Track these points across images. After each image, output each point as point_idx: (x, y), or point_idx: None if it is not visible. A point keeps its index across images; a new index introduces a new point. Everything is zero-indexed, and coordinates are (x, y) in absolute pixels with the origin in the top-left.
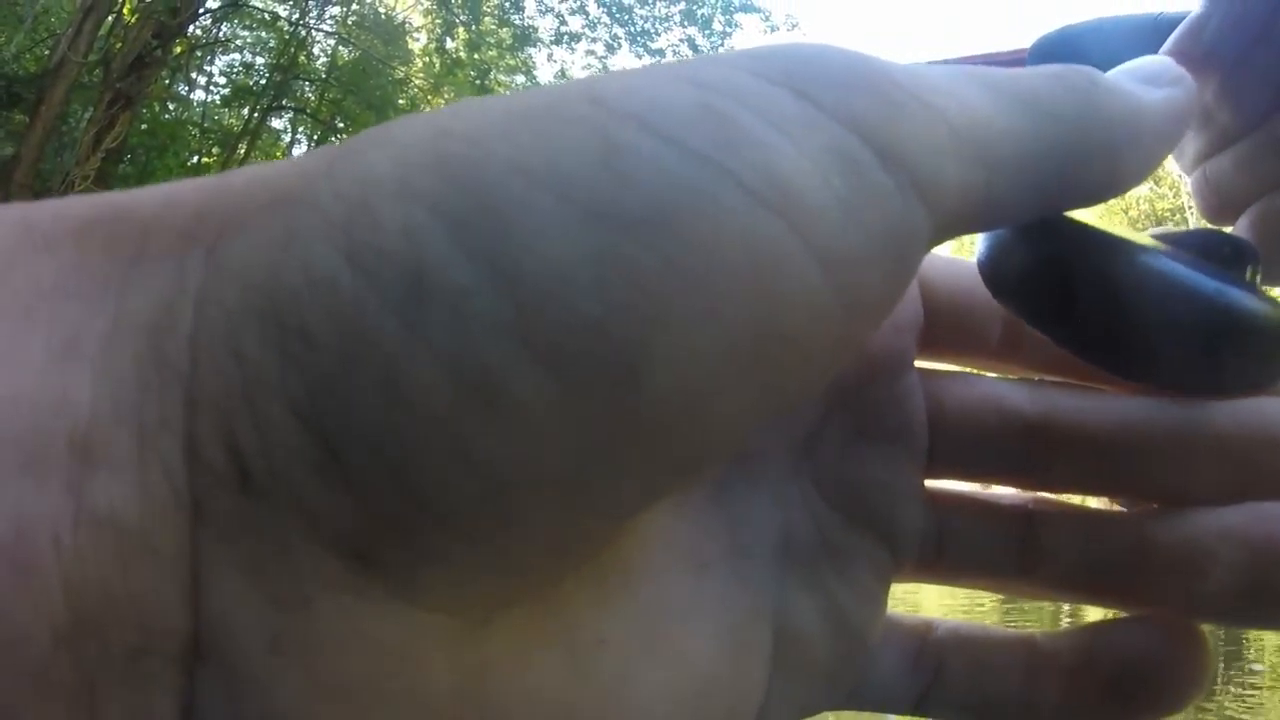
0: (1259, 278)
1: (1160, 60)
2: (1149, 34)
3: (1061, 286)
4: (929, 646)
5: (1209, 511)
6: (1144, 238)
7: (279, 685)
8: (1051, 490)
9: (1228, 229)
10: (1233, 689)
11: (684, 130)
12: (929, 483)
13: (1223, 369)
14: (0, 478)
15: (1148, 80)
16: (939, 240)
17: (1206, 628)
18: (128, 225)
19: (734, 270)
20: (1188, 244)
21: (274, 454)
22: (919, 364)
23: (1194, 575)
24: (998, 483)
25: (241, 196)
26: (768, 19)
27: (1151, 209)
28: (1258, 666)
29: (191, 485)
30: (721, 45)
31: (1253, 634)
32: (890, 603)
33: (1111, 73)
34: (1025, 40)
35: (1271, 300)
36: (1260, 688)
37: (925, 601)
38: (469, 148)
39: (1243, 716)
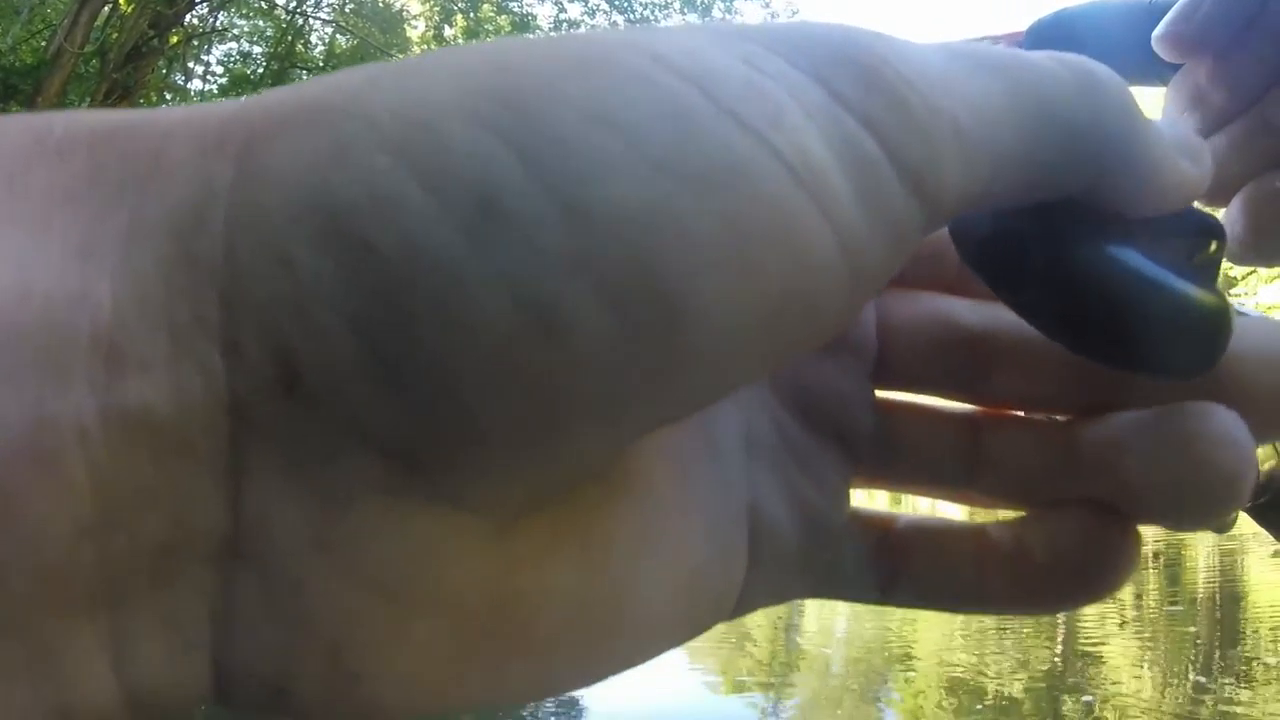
0: (1220, 253)
1: (1196, 139)
2: (1143, 17)
3: (1017, 261)
4: (891, 539)
5: (1131, 412)
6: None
7: (320, 581)
8: (992, 404)
9: (1212, 208)
10: (1229, 677)
11: (739, 104)
12: (882, 394)
13: (1161, 354)
14: (13, 372)
15: (1179, 145)
16: (933, 229)
17: (1201, 619)
18: (145, 135)
19: (772, 234)
20: (1155, 218)
21: (326, 360)
22: None
23: (1113, 470)
24: (941, 396)
25: (270, 107)
26: (767, 5)
27: None
28: (1270, 659)
29: (232, 386)
30: None
31: (1249, 626)
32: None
33: (1157, 121)
34: (1023, 22)
35: (1213, 289)
36: (1255, 669)
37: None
38: (537, 84)
39: (1240, 696)
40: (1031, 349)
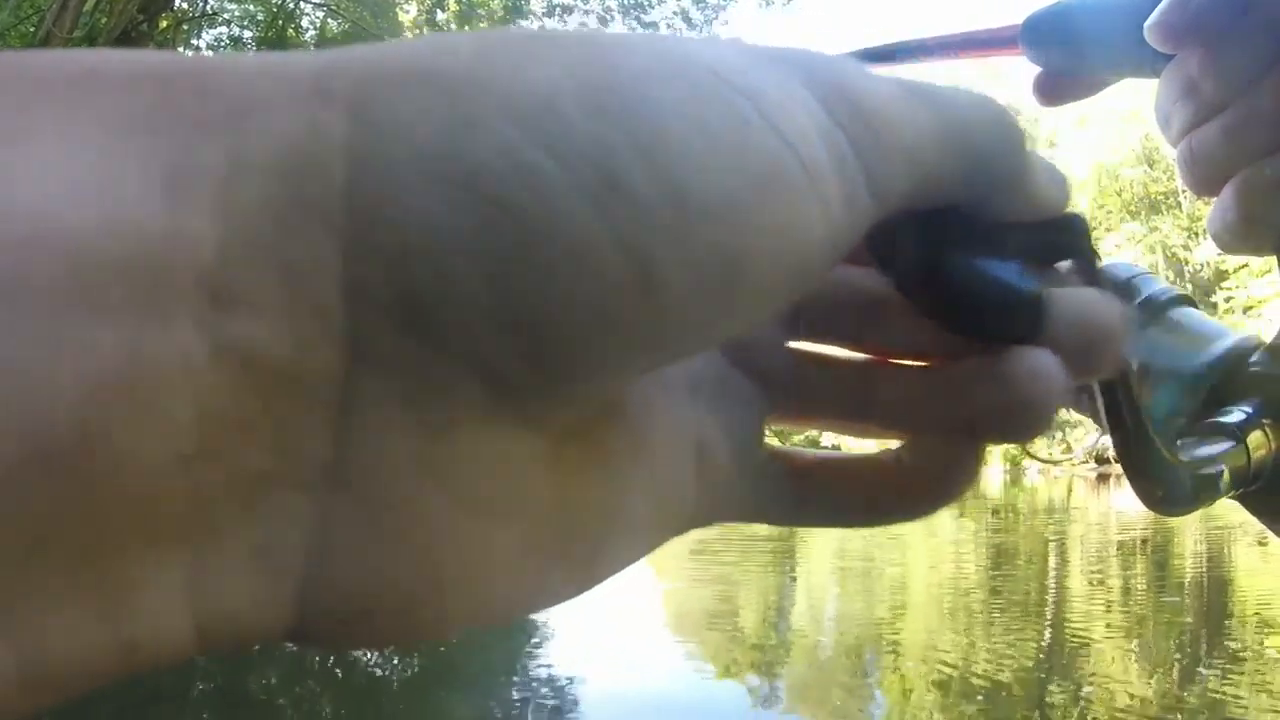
0: (1085, 240)
1: (1056, 169)
2: (1137, 7)
3: (902, 250)
4: (801, 468)
5: (979, 356)
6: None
7: (425, 503)
8: (881, 353)
9: (1204, 198)
10: (1216, 664)
11: (779, 118)
12: (792, 344)
13: (994, 329)
14: (105, 305)
15: (1048, 171)
16: (873, 221)
17: (1189, 607)
18: (223, 75)
19: (797, 223)
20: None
21: (454, 303)
22: None
23: (965, 401)
24: (840, 346)
25: (373, 63)
26: None
27: (1145, 191)
28: (1257, 647)
29: (351, 325)
30: (715, 19)
31: (1235, 614)
32: (876, 566)
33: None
34: (1018, 15)
35: (1032, 280)
36: (1243, 659)
37: (912, 561)
38: (634, 84)
39: (1224, 687)
40: (910, 311)
